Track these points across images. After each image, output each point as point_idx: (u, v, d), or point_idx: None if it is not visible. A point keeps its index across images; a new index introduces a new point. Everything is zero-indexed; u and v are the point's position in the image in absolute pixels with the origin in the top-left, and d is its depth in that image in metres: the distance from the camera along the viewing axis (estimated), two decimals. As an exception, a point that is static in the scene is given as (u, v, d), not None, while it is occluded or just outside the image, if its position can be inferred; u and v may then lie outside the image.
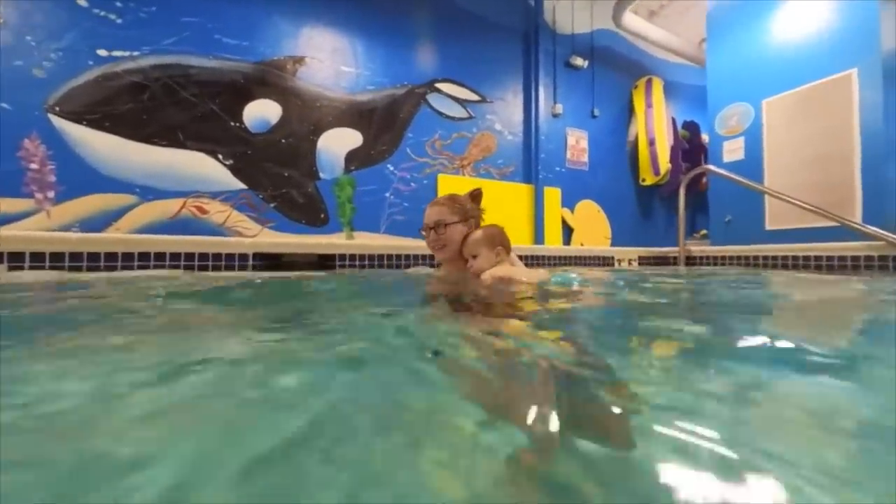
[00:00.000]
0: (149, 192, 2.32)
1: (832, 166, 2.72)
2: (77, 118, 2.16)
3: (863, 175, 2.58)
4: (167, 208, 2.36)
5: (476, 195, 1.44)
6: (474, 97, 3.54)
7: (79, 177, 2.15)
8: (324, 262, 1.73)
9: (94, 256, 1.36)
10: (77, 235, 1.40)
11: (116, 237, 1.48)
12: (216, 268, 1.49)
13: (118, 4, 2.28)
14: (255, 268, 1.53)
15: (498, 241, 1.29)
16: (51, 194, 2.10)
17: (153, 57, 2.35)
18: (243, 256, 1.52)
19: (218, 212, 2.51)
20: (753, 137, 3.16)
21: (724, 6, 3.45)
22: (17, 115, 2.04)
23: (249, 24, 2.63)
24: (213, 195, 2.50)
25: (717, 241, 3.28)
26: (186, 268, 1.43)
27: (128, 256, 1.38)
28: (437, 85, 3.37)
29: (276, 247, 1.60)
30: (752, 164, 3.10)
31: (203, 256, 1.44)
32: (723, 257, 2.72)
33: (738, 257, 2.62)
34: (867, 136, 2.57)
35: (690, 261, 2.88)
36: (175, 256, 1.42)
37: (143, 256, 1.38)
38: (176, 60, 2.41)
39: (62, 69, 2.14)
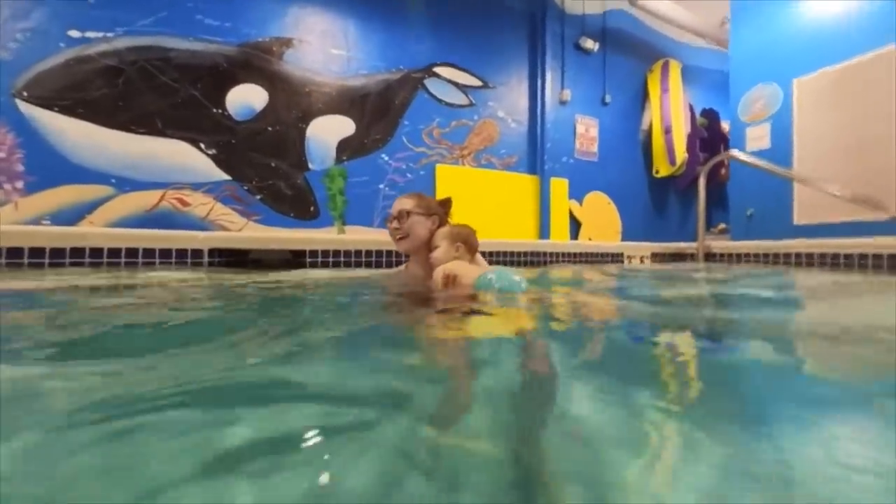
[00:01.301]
0: (125, 184, 2.19)
1: (870, 154, 2.44)
2: (47, 104, 2.03)
3: (908, 163, 2.30)
4: (145, 200, 2.23)
5: (446, 201, 1.43)
6: (476, 82, 3.32)
7: (50, 166, 2.03)
8: (297, 258, 1.57)
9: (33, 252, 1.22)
10: (12, 228, 1.27)
11: (44, 230, 1.30)
12: (164, 265, 1.32)
13: (91, -18, 2.13)
14: (212, 265, 1.37)
15: (461, 237, 1.29)
16: (19, 185, 1.98)
17: (128, 38, 2.20)
18: (197, 253, 1.36)
19: (200, 204, 2.38)
20: (782, 122, 2.87)
21: (749, -21, 3.14)
22: (-16, 101, 1.92)
23: (232, 4, 2.46)
24: (195, 186, 2.36)
25: (739, 236, 3.02)
26: (128, 265, 1.27)
27: (57, 252, 1.23)
28: (436, 69, 3.16)
29: (232, 241, 1.43)
30: (779, 152, 2.82)
31: (148, 252, 1.28)
32: (746, 254, 2.47)
33: (765, 254, 2.37)
34: (915, 118, 2.29)
35: (710, 257, 2.64)
36: (114, 252, 1.25)
37: (76, 252, 1.22)
38: (153, 42, 2.26)
39: (30, 51, 2.01)
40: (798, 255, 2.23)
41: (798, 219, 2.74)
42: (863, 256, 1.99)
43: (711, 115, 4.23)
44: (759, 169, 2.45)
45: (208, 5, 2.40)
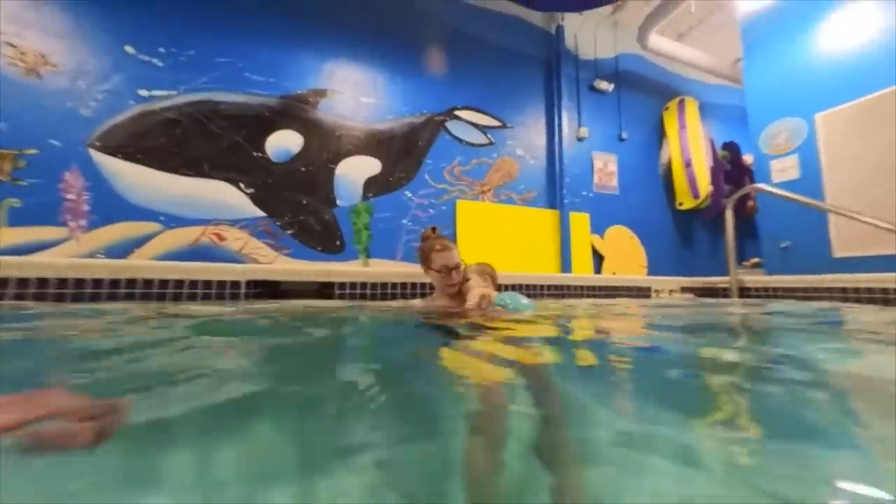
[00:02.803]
0: (172, 220, 2.39)
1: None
2: (113, 152, 2.30)
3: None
4: (187, 235, 2.41)
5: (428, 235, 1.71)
6: (495, 123, 3.50)
7: (110, 206, 2.26)
8: (323, 290, 1.63)
9: (77, 283, 1.32)
10: (50, 260, 1.40)
11: (87, 262, 1.42)
12: (206, 297, 1.41)
13: (161, 50, 2.48)
14: (249, 297, 1.45)
15: (487, 272, 1.69)
16: (83, 222, 2.19)
17: (188, 95, 2.50)
18: (235, 284, 1.45)
19: (236, 239, 2.54)
20: (808, 154, 2.83)
21: (758, 21, 3.26)
22: (63, 151, 2.20)
23: (276, 62, 2.78)
24: (233, 222, 2.54)
25: (773, 270, 2.89)
26: (173, 297, 1.36)
27: (114, 283, 1.33)
28: (457, 112, 3.36)
29: (269, 273, 1.52)
30: (808, 182, 2.75)
31: (190, 284, 1.37)
32: (784, 288, 2.34)
33: (804, 289, 2.24)
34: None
35: (744, 292, 2.52)
36: (151, 283, 1.33)
37: (118, 283, 1.31)
38: (208, 97, 2.55)
39: (106, 108, 2.31)
40: (841, 290, 2.10)
41: (837, 251, 2.60)
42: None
43: (733, 149, 4.21)
44: (784, 199, 2.39)
45: (255, 64, 2.71)
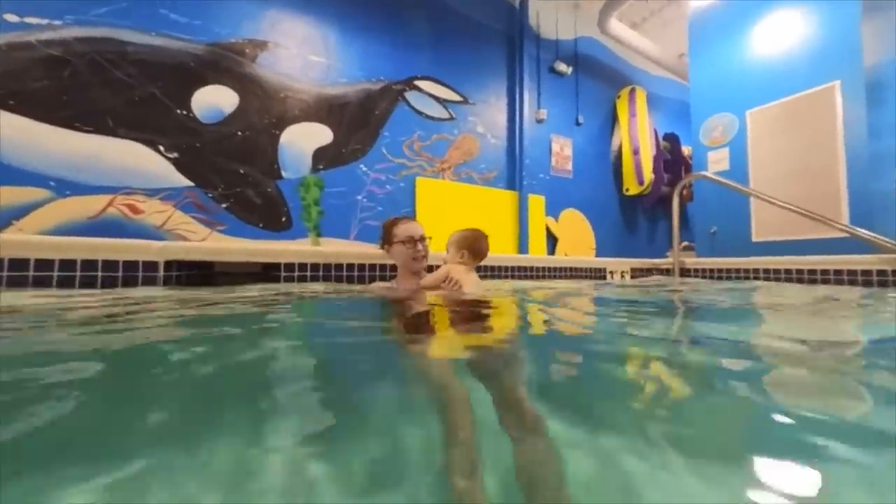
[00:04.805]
0: (66, 187, 1.94)
1: (817, 179, 2.67)
2: (-28, 93, 1.77)
3: (849, 189, 2.53)
4: (87, 206, 1.98)
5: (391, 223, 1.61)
6: (456, 97, 3.34)
7: (-30, 165, 1.75)
8: (268, 272, 1.42)
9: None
10: None
11: None
12: (108, 282, 1.11)
13: (37, -36, 1.92)
14: (169, 281, 1.19)
15: (466, 244, 1.45)
16: (-71, 185, 1.68)
17: (78, 28, 1.99)
18: (151, 266, 1.17)
19: (156, 212, 2.15)
20: (738, 148, 3.11)
21: (704, 18, 3.44)
22: None
23: (203, 1, 2.32)
24: (150, 192, 2.14)
25: (703, 253, 3.19)
26: (61, 283, 1.05)
27: None
28: (417, 82, 3.14)
29: (197, 252, 1.26)
30: (736, 174, 3.03)
31: (84, 265, 1.07)
32: (719, 269, 2.59)
33: (736, 269, 2.49)
34: (851, 149, 2.54)
35: (684, 272, 2.75)
36: (23, 264, 1.00)
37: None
38: (108, 34, 2.06)
39: (-46, 33, 1.75)
40: (764, 271, 2.37)
41: (756, 236, 2.94)
42: (824, 272, 2.14)
43: (673, 139, 4.53)
44: (728, 188, 2.61)
45: (175, 0, 2.24)
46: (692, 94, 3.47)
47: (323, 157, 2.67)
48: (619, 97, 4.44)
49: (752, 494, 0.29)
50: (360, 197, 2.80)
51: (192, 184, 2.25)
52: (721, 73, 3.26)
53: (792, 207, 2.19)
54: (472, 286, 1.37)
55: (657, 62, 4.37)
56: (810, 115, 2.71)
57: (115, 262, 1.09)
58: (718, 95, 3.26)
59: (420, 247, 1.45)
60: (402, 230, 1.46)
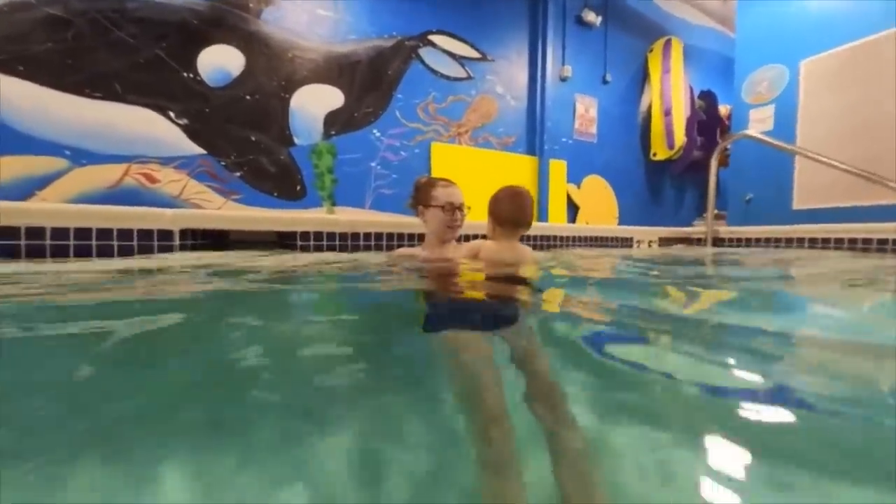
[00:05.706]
0: (81, 156, 1.92)
1: (876, 135, 2.40)
2: (-23, 58, 1.72)
3: (913, 148, 2.27)
4: (106, 175, 1.97)
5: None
6: (474, 54, 3.10)
7: (-13, 133, 1.74)
8: (283, 240, 1.39)
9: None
10: None
11: None
12: (124, 251, 1.11)
13: (26, -88, 1.79)
14: (185, 249, 1.17)
15: (490, 208, 1.30)
16: (-51, 154, 1.69)
17: (76, -16, 1.88)
18: (166, 234, 1.15)
19: (171, 181, 2.13)
20: (786, 105, 2.81)
21: (761, -49, 3.00)
22: None
23: (200, -51, 2.15)
24: (164, 161, 2.11)
25: (736, 222, 3.00)
26: (78, 252, 1.05)
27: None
28: (431, 38, 2.92)
29: (211, 220, 1.23)
30: (781, 134, 2.77)
31: (100, 234, 1.06)
32: (755, 238, 2.43)
33: (776, 238, 2.33)
34: (922, 102, 2.25)
35: (718, 242, 2.60)
36: (40, 233, 0.99)
37: (7, 233, 0.97)
38: (107, -10, 1.95)
39: (-48, -7, 1.68)
40: (802, 240, 2.20)
41: (798, 204, 2.72)
42: (867, 241, 1.97)
43: (709, 98, 4.15)
44: (778, 149, 2.39)
45: (172, -51, 2.08)
46: (738, 42, 3.11)
47: (335, 122, 2.57)
48: (651, 51, 4.04)
49: None
50: (373, 164, 2.71)
51: (204, 152, 2.21)
52: (774, 18, 2.89)
53: (856, 171, 1.97)
54: (497, 265, 1.23)
55: (700, 7, 3.91)
56: (871, 64, 2.39)
57: (130, 231, 1.08)
58: (769, 44, 2.91)
59: (458, 215, 1.35)
60: (444, 194, 1.35)
